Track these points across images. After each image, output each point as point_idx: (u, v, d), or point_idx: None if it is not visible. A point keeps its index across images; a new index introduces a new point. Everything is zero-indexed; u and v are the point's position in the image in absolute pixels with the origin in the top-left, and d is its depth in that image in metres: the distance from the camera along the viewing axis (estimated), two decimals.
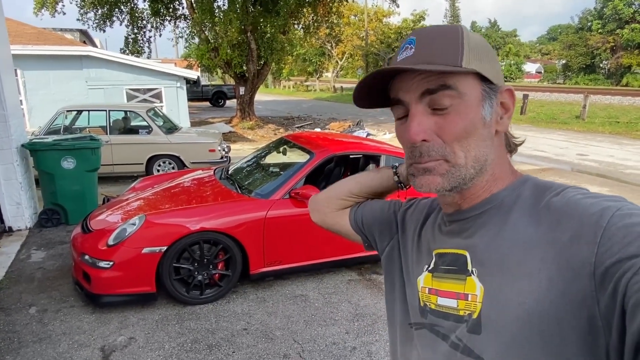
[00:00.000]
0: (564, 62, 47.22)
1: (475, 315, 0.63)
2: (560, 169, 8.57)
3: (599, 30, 41.10)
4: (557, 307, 0.54)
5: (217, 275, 3.51)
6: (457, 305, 0.66)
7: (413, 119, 0.64)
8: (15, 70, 7.88)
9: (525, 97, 17.96)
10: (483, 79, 0.64)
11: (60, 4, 13.27)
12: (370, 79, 0.67)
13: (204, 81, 29.73)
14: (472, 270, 0.65)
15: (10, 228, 5.00)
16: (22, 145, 5.07)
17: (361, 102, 0.73)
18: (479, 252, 0.65)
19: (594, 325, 0.52)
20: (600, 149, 10.78)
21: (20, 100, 9.61)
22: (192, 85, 22.03)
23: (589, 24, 43.48)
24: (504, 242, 0.62)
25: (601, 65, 43.32)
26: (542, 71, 57.35)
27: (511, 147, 0.72)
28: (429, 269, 0.75)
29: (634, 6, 38.69)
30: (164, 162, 7.37)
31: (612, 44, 40.07)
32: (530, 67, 58.47)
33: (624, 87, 35.39)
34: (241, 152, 9.28)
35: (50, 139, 5.27)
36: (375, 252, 3.73)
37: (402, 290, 0.82)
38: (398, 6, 16.90)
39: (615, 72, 41.46)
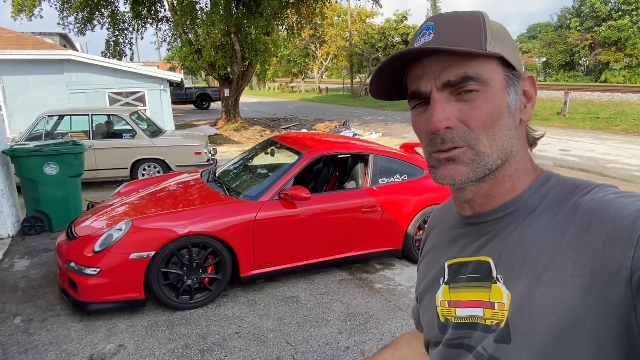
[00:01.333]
0: (544, 59, 48.02)
1: (502, 324, 0.59)
2: (543, 164, 8.70)
3: (577, 28, 41.88)
4: (593, 315, 0.51)
5: (206, 279, 3.47)
6: (484, 315, 0.62)
7: (436, 105, 0.60)
8: None
9: None
10: (506, 64, 0.61)
11: (38, 7, 13.01)
12: (387, 66, 0.63)
13: (187, 83, 29.48)
14: (497, 277, 0.62)
15: None
16: (3, 152, 4.95)
17: (378, 94, 0.69)
18: (503, 257, 0.62)
19: (631, 333, 0.49)
20: (582, 144, 10.99)
21: (0, 106, 9.42)
22: (176, 88, 21.80)
23: (568, 22, 44.28)
24: (531, 245, 0.59)
25: (580, 62, 44.15)
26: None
27: (531, 140, 0.68)
28: (445, 281, 0.71)
29: (610, 4, 39.56)
30: (149, 166, 7.27)
31: (590, 41, 40.87)
32: None
33: (602, 83, 36.12)
34: (227, 155, 9.21)
35: (32, 144, 5.16)
36: (365, 251, 3.77)
37: None
38: (381, 6, 16.97)
39: (594, 69, 42.29)
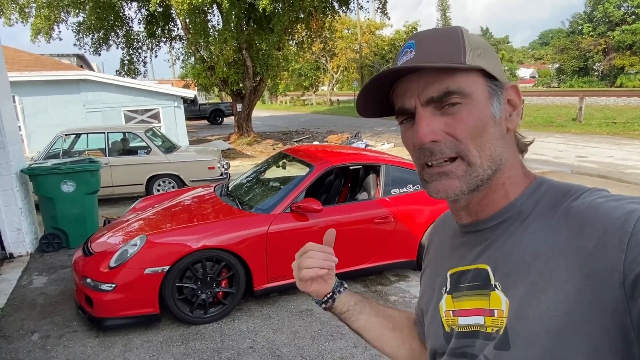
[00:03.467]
0: (557, 65, 47.59)
1: (502, 332, 0.59)
2: (560, 171, 8.57)
3: (590, 33, 41.50)
4: (588, 319, 0.51)
5: (220, 293, 3.47)
6: (485, 322, 0.63)
7: (421, 120, 0.62)
8: (13, 96, 7.92)
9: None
10: (487, 76, 0.63)
11: (56, 30, 13.42)
12: (371, 86, 0.65)
13: (201, 100, 29.93)
14: (495, 285, 0.62)
15: (11, 254, 4.97)
16: (22, 171, 5.07)
17: (366, 112, 0.71)
18: (500, 264, 0.62)
19: (627, 336, 0.49)
20: (599, 150, 10.79)
21: (19, 126, 9.67)
22: (190, 105, 22.18)
23: (580, 27, 43.92)
24: (526, 252, 0.60)
25: (594, 67, 43.64)
26: (536, 76, 57.77)
27: (521, 147, 0.69)
28: (447, 290, 0.72)
29: (623, 8, 39.15)
30: (163, 182, 7.37)
31: (604, 46, 40.43)
32: (524, 73, 58.94)
33: (618, 88, 35.59)
34: (240, 169, 9.28)
35: (50, 163, 5.28)
36: (379, 263, 3.73)
37: None
38: (389, 18, 17.09)
39: (608, 74, 41.74)
